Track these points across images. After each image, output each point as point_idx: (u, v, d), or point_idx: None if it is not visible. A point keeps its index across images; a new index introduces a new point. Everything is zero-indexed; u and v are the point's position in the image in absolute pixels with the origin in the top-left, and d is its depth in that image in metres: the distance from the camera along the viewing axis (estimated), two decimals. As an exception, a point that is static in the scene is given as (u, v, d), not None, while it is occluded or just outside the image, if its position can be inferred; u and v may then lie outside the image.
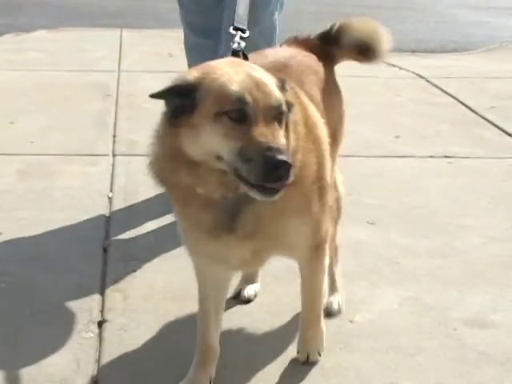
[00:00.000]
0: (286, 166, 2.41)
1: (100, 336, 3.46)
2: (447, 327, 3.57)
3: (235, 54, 3.13)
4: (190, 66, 4.82)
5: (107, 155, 5.40)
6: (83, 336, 3.45)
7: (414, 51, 7.13)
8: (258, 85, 2.54)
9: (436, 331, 3.50)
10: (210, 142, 2.52)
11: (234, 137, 2.47)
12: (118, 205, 4.57)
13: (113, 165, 5.22)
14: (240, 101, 2.48)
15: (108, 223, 4.49)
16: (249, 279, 3.75)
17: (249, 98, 2.49)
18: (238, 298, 3.74)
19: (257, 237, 2.79)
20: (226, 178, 2.58)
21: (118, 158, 5.31)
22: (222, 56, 4.48)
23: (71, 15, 9.55)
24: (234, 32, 3.30)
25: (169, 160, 2.66)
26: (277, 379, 3.20)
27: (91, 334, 3.46)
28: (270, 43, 4.58)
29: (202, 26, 4.87)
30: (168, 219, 4.44)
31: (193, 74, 2.62)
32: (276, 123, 2.52)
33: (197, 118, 2.53)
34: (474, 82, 6.92)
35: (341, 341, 3.42)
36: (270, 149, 2.43)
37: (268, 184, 2.47)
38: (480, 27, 11.38)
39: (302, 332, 3.29)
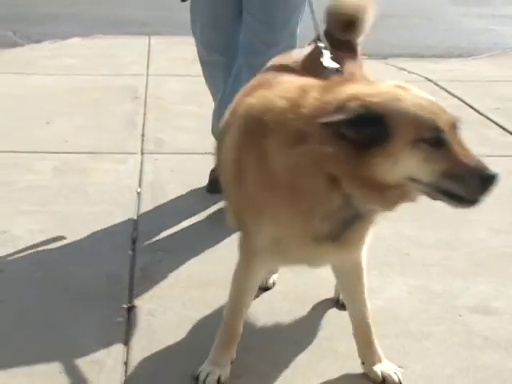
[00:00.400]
0: (497, 179, 2.44)
1: (129, 321, 3.46)
2: (453, 314, 3.55)
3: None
4: (206, 78, 4.76)
5: (136, 153, 5.41)
6: (113, 321, 3.45)
7: (422, 56, 7.09)
8: (440, 108, 2.53)
9: (443, 317, 3.48)
10: (408, 168, 2.46)
11: (435, 160, 2.44)
12: (146, 199, 4.57)
13: (141, 162, 5.22)
14: (437, 128, 2.44)
15: (136, 216, 4.49)
16: (270, 269, 3.72)
17: (442, 124, 2.46)
18: (259, 286, 3.70)
19: (347, 242, 2.76)
20: (401, 195, 2.56)
21: (145, 155, 5.31)
22: (238, 72, 4.41)
23: (103, 24, 9.56)
24: (325, 51, 3.21)
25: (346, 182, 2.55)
26: (293, 362, 3.18)
27: (121, 319, 3.46)
28: None
29: (215, 42, 4.57)
30: (192, 214, 4.47)
31: (372, 102, 2.47)
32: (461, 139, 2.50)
33: (393, 147, 2.43)
34: (478, 85, 6.89)
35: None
36: (480, 167, 2.45)
37: (480, 197, 2.48)
38: (485, 34, 11.31)
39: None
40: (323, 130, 2.48)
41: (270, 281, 3.76)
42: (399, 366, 3.13)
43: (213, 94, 4.81)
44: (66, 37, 9.14)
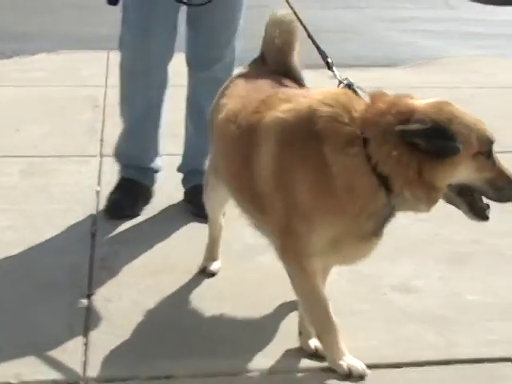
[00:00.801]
0: None
1: (88, 307, 3.45)
2: (379, 293, 3.60)
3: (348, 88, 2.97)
4: (126, 89, 4.46)
5: (96, 156, 5.35)
6: (75, 307, 3.44)
7: (353, 66, 7.09)
8: (484, 124, 2.65)
9: (369, 296, 3.51)
10: (465, 175, 2.60)
11: (486, 170, 2.60)
12: (104, 197, 4.51)
13: (100, 164, 5.17)
14: (492, 143, 2.60)
15: (96, 213, 4.46)
16: (211, 257, 3.74)
17: (492, 138, 2.62)
18: (204, 273, 3.71)
19: (381, 237, 2.82)
20: (439, 197, 2.66)
21: (104, 158, 5.24)
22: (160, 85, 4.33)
23: (68, 40, 9.47)
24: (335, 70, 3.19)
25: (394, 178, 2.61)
26: (239, 343, 3.22)
27: (81, 305, 3.45)
28: (230, 74, 4.29)
29: (145, 53, 4.22)
30: (144, 210, 4.49)
31: (439, 116, 2.56)
32: None
33: (459, 158, 2.54)
34: (402, 90, 6.95)
35: (290, 306, 3.44)
36: None
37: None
38: (408, 46, 11.41)
39: None
40: (395, 136, 2.54)
41: (211, 267, 3.74)
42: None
43: (125, 109, 4.51)
44: (35, 52, 9.05)
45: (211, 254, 3.78)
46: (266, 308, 3.48)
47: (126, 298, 3.53)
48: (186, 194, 4.51)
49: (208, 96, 4.13)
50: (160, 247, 4.08)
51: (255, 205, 2.98)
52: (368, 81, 7.27)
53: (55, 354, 3.06)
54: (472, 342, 3.28)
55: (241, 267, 3.76)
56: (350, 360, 2.93)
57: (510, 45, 12.41)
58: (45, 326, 3.27)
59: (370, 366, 2.96)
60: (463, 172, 2.57)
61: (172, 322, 3.35)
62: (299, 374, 3.03)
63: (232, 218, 3.65)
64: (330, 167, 2.63)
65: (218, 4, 4.04)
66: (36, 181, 4.93)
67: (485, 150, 2.59)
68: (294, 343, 3.17)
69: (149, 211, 4.47)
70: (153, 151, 4.49)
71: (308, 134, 2.68)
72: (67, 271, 3.76)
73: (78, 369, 2.97)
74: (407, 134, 2.53)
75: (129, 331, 3.26)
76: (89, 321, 3.33)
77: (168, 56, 4.30)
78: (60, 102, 6.74)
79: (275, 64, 3.34)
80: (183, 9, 4.22)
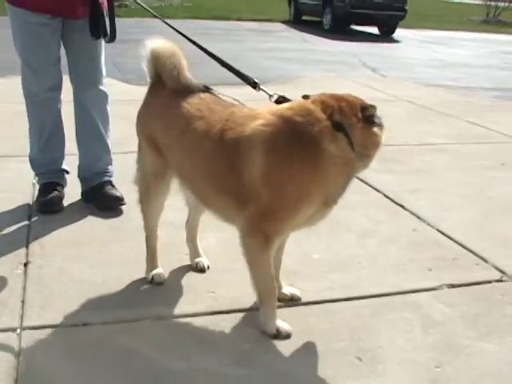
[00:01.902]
0: None
1: (25, 272, 3.32)
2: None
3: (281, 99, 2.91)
4: (34, 117, 4.16)
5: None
6: (14, 272, 3.31)
7: (232, 84, 7.02)
8: None
9: (241, 258, 3.46)
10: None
11: None
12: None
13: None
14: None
15: (31, 201, 4.30)
16: (154, 266, 3.32)
17: None
18: (152, 283, 3.27)
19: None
20: None
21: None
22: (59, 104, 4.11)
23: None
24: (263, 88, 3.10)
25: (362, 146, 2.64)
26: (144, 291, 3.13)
27: (19, 271, 3.32)
28: (106, 89, 4.20)
29: (40, 82, 3.99)
30: (68, 197, 4.33)
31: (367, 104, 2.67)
32: None
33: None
34: (265, 103, 6.97)
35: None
36: None
37: None
38: (274, 69, 11.53)
39: None
40: (363, 119, 2.61)
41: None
42: (211, 292, 3.14)
43: (36, 129, 4.19)
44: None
45: (153, 263, 3.32)
46: (169, 271, 3.40)
47: (54, 265, 3.40)
48: (85, 194, 4.31)
49: (95, 110, 4.14)
50: (81, 223, 3.98)
51: (233, 200, 2.76)
52: (243, 95, 7.29)
53: (-1, 309, 2.96)
54: (316, 288, 3.30)
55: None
56: (279, 323, 2.86)
57: (346, 68, 12.78)
58: (-10, 288, 3.16)
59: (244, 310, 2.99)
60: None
61: (90, 281, 3.25)
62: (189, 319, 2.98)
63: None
64: (330, 154, 2.56)
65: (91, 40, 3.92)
66: (-15, 176, 4.73)
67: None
68: (191, 294, 3.15)
69: (72, 197, 4.36)
70: (62, 157, 4.31)
71: (294, 141, 2.57)
72: (9, 245, 3.60)
73: (17, 320, 2.87)
74: (373, 116, 2.62)
75: (56, 290, 3.15)
76: (25, 283, 3.20)
77: (60, 82, 4.08)
78: (8, 116, 6.49)
79: (176, 84, 3.06)
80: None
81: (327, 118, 2.59)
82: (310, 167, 2.57)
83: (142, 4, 3.99)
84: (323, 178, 2.60)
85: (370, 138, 2.64)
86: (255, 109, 2.85)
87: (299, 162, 2.57)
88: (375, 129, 2.64)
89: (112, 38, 3.83)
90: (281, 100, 2.90)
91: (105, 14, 3.85)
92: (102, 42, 4.02)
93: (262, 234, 2.66)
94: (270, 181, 2.60)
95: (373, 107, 2.65)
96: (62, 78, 4.08)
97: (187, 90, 3.04)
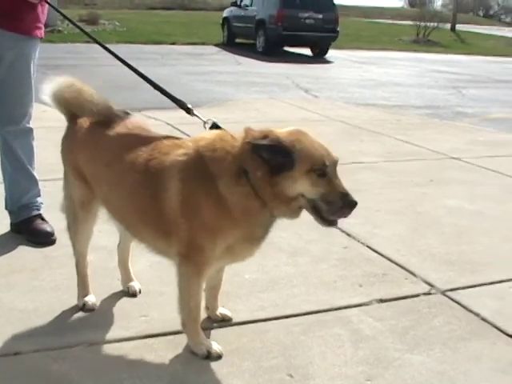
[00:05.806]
0: (355, 206, 2.53)
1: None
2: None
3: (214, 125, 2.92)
4: None
5: None
6: None
7: (165, 108, 7.06)
8: (327, 150, 2.55)
9: (172, 280, 3.47)
10: (302, 188, 2.50)
11: (319, 186, 2.49)
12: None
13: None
14: (324, 163, 2.49)
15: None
16: (85, 292, 3.30)
17: (327, 161, 2.50)
18: (84, 310, 3.25)
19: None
20: (299, 209, 2.59)
21: None
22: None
23: None
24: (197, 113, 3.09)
25: (262, 195, 2.55)
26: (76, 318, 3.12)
27: None
28: (31, 125, 4.16)
29: None
30: None
31: (286, 139, 2.51)
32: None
33: (295, 173, 2.47)
34: (199, 125, 7.02)
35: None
36: (346, 195, 2.51)
37: (337, 217, 2.57)
38: (206, 92, 11.61)
39: None
40: (256, 157, 2.51)
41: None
42: (144, 315, 3.18)
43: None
44: None
45: (84, 289, 3.30)
46: (101, 296, 3.40)
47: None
48: (15, 226, 4.25)
49: (21, 144, 4.10)
50: (9, 253, 3.93)
51: (160, 231, 2.80)
52: (174, 119, 7.26)
53: None
54: (247, 308, 3.36)
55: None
56: (208, 343, 2.89)
57: (279, 90, 12.97)
58: None
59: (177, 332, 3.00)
60: (300, 185, 2.50)
61: (21, 309, 3.22)
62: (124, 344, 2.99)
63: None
64: (225, 197, 2.58)
65: (17, 76, 3.93)
66: None
67: (318, 168, 2.50)
68: (124, 319, 3.17)
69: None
70: None
71: (202, 174, 2.62)
72: None
73: None
74: (256, 147, 2.51)
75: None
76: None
77: None
78: None
79: (93, 115, 3.06)
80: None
81: (232, 158, 2.60)
82: (213, 203, 2.62)
83: (79, 26, 4.10)
84: (226, 218, 2.63)
85: (275, 188, 2.53)
86: (182, 138, 2.91)
87: (205, 195, 2.63)
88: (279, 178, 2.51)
89: None
90: (214, 127, 2.94)
91: None
92: (32, 78, 4.02)
93: (192, 262, 2.73)
94: (185, 211, 2.66)
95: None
96: None
97: (108, 119, 3.04)
